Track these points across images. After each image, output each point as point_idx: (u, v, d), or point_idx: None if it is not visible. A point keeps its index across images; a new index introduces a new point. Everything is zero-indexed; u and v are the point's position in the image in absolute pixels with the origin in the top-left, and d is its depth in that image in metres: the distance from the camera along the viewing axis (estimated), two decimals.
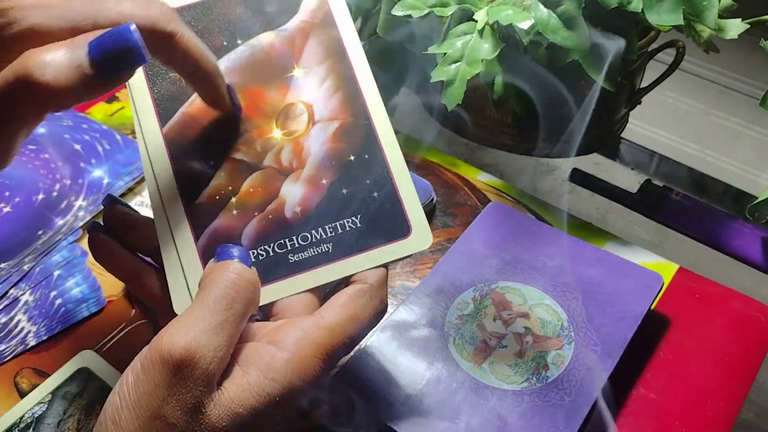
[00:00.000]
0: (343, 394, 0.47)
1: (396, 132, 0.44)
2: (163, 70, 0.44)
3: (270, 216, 0.42)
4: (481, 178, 0.68)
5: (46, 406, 0.51)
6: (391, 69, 0.67)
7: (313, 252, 0.42)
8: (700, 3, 0.57)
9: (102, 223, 0.45)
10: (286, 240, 0.42)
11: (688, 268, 0.61)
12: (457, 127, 0.71)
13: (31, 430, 0.50)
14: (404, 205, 0.43)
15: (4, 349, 0.54)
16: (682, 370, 0.54)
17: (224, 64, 0.44)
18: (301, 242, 0.42)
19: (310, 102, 0.44)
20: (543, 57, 0.59)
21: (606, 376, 0.50)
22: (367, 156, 0.43)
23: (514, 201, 0.66)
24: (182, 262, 0.41)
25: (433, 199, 0.64)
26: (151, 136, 0.43)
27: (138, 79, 0.44)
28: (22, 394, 0.52)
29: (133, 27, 0.33)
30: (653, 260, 0.61)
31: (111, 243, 0.44)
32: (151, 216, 0.43)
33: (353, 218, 0.43)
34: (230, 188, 0.42)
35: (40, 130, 0.70)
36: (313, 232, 0.42)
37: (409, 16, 0.59)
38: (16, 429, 0.50)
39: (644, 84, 0.70)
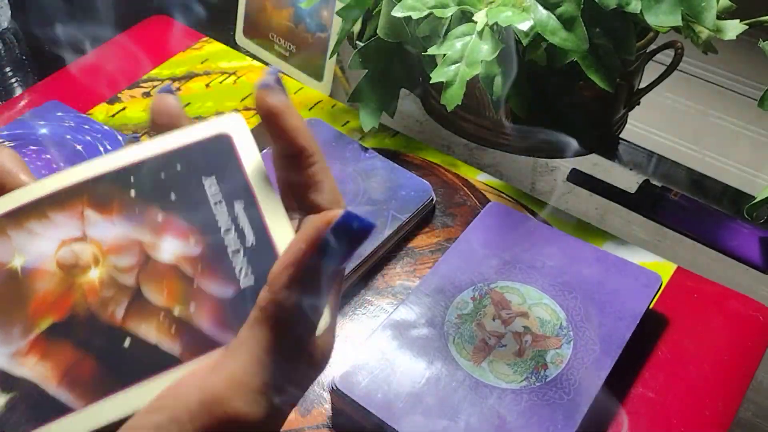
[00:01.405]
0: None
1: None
2: None
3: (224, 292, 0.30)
4: (480, 179, 0.68)
5: None
6: (390, 69, 0.67)
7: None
8: (698, 4, 0.57)
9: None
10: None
11: (686, 267, 0.61)
12: (457, 127, 0.71)
13: None
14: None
15: None
16: (681, 369, 0.54)
17: None
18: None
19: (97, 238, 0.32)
20: (542, 58, 0.60)
21: (604, 375, 0.50)
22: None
23: (513, 201, 0.66)
24: None
25: (432, 200, 0.64)
26: None
27: None
28: None
29: None
30: (651, 260, 0.61)
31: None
32: None
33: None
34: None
35: (42, 130, 0.70)
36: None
37: (409, 17, 0.59)
38: None
39: (643, 85, 0.71)
